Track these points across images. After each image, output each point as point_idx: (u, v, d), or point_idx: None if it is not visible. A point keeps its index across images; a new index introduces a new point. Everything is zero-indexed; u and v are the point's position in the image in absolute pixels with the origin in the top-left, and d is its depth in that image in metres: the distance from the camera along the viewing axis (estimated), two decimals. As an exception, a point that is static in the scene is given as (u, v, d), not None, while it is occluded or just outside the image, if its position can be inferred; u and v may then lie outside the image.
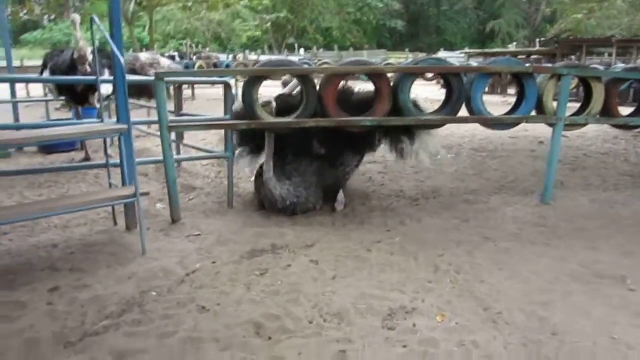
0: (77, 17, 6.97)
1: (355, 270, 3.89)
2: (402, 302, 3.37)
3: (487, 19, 53.17)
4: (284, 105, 5.31)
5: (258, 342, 2.92)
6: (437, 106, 5.77)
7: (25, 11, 28.75)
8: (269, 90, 5.42)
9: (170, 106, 7.24)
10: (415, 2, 56.45)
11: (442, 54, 33.34)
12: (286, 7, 47.56)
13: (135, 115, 10.49)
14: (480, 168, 7.37)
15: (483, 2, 55.25)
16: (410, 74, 5.25)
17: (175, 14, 40.81)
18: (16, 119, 8.59)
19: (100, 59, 6.38)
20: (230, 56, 30.87)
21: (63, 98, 7.72)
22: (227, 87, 5.51)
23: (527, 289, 3.58)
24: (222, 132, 5.59)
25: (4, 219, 3.78)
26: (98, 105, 6.69)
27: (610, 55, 21.27)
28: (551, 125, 5.57)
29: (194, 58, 25.99)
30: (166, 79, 5.01)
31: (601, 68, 7.43)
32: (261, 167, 5.23)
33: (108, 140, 6.47)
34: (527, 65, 5.59)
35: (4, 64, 9.00)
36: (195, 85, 16.22)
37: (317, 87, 5.11)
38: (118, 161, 4.77)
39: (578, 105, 5.95)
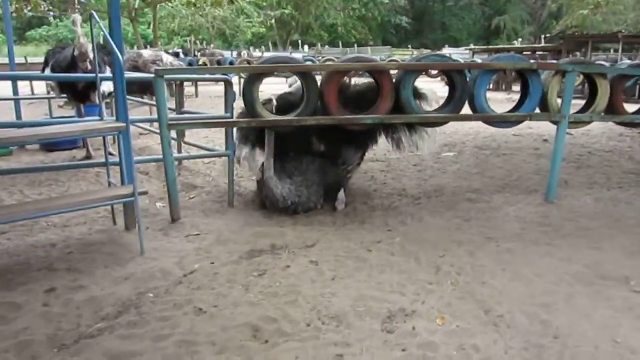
0: (77, 17, 6.93)
1: (355, 271, 3.84)
2: (402, 304, 3.32)
3: (493, 15, 52.93)
4: (285, 103, 5.26)
5: (255, 345, 2.88)
6: (441, 103, 5.69)
7: (29, 8, 28.70)
8: (273, 88, 5.38)
9: (172, 104, 7.22)
10: (420, -2, 56.33)
11: (446, 51, 33.22)
12: (291, 3, 47.42)
13: (138, 113, 10.55)
14: (483, 166, 7.30)
15: (488, -2, 55.06)
16: (412, 71, 5.18)
17: (180, 10, 40.73)
18: (18, 116, 8.59)
19: (102, 56, 6.35)
20: (235, 53, 30.81)
21: (65, 96, 7.68)
22: (227, 84, 5.47)
23: (529, 290, 3.52)
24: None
25: (1, 218, 3.75)
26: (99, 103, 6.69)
27: (616, 51, 21.12)
28: (555, 123, 5.49)
29: (198, 55, 25.98)
30: (166, 76, 4.97)
31: (607, 64, 7.34)
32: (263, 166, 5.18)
33: (110, 138, 6.48)
34: (532, 61, 5.50)
35: (7, 60, 9.01)
36: (199, 83, 16.23)
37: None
38: (117, 160, 4.72)
39: (583, 102, 5.88)
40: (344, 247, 4.28)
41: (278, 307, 3.28)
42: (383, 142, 5.83)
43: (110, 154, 5.75)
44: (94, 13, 4.35)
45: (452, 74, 5.26)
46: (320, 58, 23.14)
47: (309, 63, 15.17)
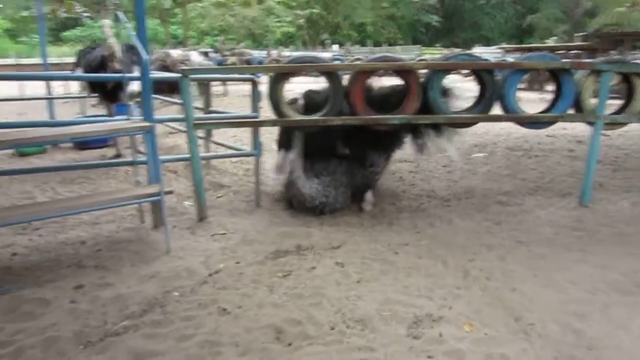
0: (107, 22, 7.04)
1: (380, 273, 3.78)
2: (429, 309, 3.25)
3: (525, 13, 51.88)
4: (312, 102, 5.21)
5: (277, 347, 2.85)
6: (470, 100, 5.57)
7: (63, 9, 29.36)
8: (302, 87, 5.34)
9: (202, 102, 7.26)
10: (451, -4, 55.68)
11: (477, 50, 32.75)
12: (320, 3, 47.40)
13: (168, 112, 10.64)
14: (515, 168, 7.13)
15: (521, -4, 54.10)
16: (440, 71, 5.09)
17: (210, 10, 41.14)
18: (51, 115, 8.76)
19: (130, 56, 6.41)
20: (264, 52, 30.94)
21: (95, 95, 7.79)
22: (253, 83, 5.45)
23: (562, 298, 3.40)
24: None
25: (30, 216, 3.79)
26: (129, 102, 6.76)
27: (654, 50, 20.50)
28: (590, 123, 5.32)
29: (228, 54, 26.15)
30: (191, 75, 4.98)
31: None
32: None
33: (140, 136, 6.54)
34: (565, 60, 5.34)
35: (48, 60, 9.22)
36: (227, 82, 16.32)
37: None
38: (145, 159, 4.75)
39: (619, 102, 5.68)
40: (371, 249, 4.22)
41: (302, 308, 3.25)
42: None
43: (139, 152, 5.81)
44: (119, 13, 4.39)
45: (482, 74, 5.14)
46: (349, 57, 23.03)
47: (337, 62, 15.14)
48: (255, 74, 5.67)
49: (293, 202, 5.20)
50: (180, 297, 3.42)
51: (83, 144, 8.04)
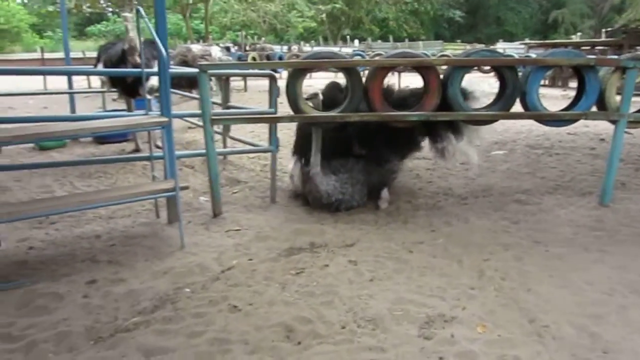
0: (128, 15, 7.08)
1: (394, 272, 3.73)
2: (442, 309, 3.20)
3: (550, 9, 51.10)
4: (332, 97, 5.16)
5: (287, 346, 2.83)
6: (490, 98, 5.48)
7: (88, 4, 29.73)
8: (323, 82, 5.33)
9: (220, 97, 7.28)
10: (474, -9, 55.01)
11: (500, 45, 32.30)
12: (342, -3, 47.30)
13: (188, 107, 10.71)
14: (534, 166, 7.02)
15: (546, -9, 53.22)
16: (461, 67, 5.01)
17: (232, 5, 41.28)
18: (72, 109, 8.86)
19: (150, 51, 6.45)
20: (285, 47, 30.95)
21: (115, 90, 7.85)
22: (272, 79, 5.43)
23: (578, 300, 3.32)
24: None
25: (47, 210, 3.84)
26: (148, 97, 6.80)
27: (683, 46, 19.95)
28: (613, 122, 5.19)
29: (249, 49, 26.21)
30: (210, 71, 4.98)
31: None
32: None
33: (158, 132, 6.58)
34: (590, 57, 5.22)
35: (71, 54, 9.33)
36: (247, 77, 16.35)
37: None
38: (161, 154, 4.76)
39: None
40: (385, 247, 4.18)
41: (313, 307, 3.22)
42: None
43: (158, 147, 5.85)
44: (140, 8, 4.40)
45: (503, 70, 5.04)
46: (369, 52, 22.90)
47: (357, 57, 15.04)
48: (275, 69, 5.66)
49: (309, 199, 5.18)
50: (192, 293, 3.42)
51: (102, 138, 8.12)
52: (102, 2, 33.12)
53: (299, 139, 5.44)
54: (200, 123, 8.05)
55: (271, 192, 5.44)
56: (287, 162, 5.80)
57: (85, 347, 2.83)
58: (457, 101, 4.95)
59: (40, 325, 3.03)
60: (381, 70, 4.92)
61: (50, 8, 37.37)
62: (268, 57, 20.36)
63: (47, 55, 25.67)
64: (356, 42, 40.06)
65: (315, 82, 17.55)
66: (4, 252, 4.09)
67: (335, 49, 21.70)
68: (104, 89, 9.91)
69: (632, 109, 5.17)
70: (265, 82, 5.51)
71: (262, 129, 8.98)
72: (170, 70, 5.16)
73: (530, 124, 9.33)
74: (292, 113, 4.99)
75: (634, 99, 5.11)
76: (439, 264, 3.89)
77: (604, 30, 29.24)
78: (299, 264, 3.89)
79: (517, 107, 5.14)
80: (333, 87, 5.41)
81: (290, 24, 45.00)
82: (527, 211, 5.11)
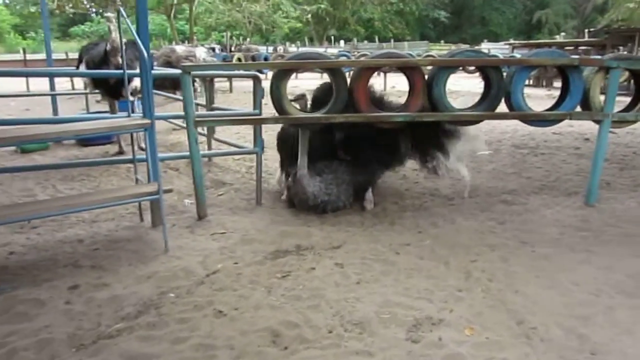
0: (111, 16, 6.99)
1: (381, 274, 3.70)
2: (429, 311, 3.17)
3: (534, 9, 51.59)
4: (324, 98, 5.11)
5: (273, 351, 2.79)
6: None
7: (71, 5, 29.39)
8: (308, 83, 5.30)
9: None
10: (459, -9, 55.34)
11: (485, 45, 32.51)
12: (327, -2, 47.34)
13: (173, 109, 10.62)
14: (520, 166, 7.04)
15: (530, -9, 53.68)
16: (446, 67, 5.00)
17: (217, 5, 41.09)
18: (55, 111, 8.74)
19: (133, 52, 6.36)
20: (270, 48, 30.87)
21: (98, 91, 7.75)
22: (256, 80, 5.39)
23: (565, 301, 3.32)
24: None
25: (29, 214, 3.75)
26: (131, 98, 6.71)
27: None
28: (597, 121, 5.22)
29: (234, 50, 26.10)
30: (193, 72, 4.92)
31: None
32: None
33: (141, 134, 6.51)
34: (574, 57, 5.23)
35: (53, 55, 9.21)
36: (233, 78, 16.26)
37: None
38: (144, 156, 4.70)
39: (628, 99, 5.56)
40: (371, 249, 4.15)
41: (300, 311, 3.18)
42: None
43: (141, 149, 5.77)
44: (122, 9, 4.33)
45: (488, 70, 5.04)
46: (355, 53, 22.91)
47: (343, 58, 15.03)
48: (261, 70, 5.60)
49: (295, 201, 5.13)
50: (176, 298, 3.36)
51: (86, 140, 8.01)
52: (85, 2, 32.72)
53: (282, 151, 5.43)
54: (185, 124, 8.01)
55: (257, 194, 5.39)
56: (272, 163, 5.75)
57: (67, 355, 2.76)
58: (442, 102, 4.94)
59: (21, 333, 2.96)
60: (366, 70, 4.89)
61: (33, 9, 36.95)
62: (253, 58, 20.29)
63: (29, 57, 25.40)
64: (342, 42, 40.10)
65: (301, 83, 17.58)
66: (-17, 257, 4.00)
67: (320, 50, 21.71)
68: (87, 91, 9.79)
69: (616, 109, 5.20)
70: (251, 83, 5.45)
71: (248, 130, 8.91)
72: (153, 71, 5.10)
73: (515, 123, 9.36)
74: (277, 114, 4.95)
75: (617, 98, 5.13)
76: (426, 265, 3.87)
77: (586, 30, 29.56)
78: (285, 267, 3.85)
79: (502, 107, 5.14)
80: (325, 87, 5.36)
81: (275, 25, 44.90)
82: (513, 211, 5.12)
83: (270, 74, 5.18)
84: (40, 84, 13.85)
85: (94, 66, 6.79)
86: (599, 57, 5.68)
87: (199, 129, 5.43)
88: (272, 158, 6.40)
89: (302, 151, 4.87)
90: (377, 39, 41.58)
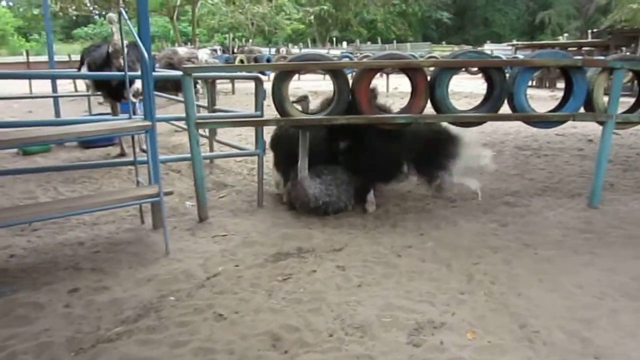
0: (113, 16, 6.97)
1: (382, 277, 3.68)
2: (431, 315, 3.15)
3: (537, 10, 51.50)
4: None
5: (273, 355, 2.76)
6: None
7: (74, 7, 29.44)
8: (311, 84, 5.29)
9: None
10: (462, -8, 55.31)
11: (488, 47, 32.45)
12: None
13: (174, 110, 10.61)
14: (523, 167, 7.00)
15: (533, -8, 53.60)
16: (448, 68, 4.97)
17: (220, 7, 41.11)
18: (57, 113, 8.74)
19: (135, 53, 6.35)
20: (273, 50, 30.86)
21: (99, 93, 7.74)
22: (258, 81, 5.37)
23: (568, 304, 3.28)
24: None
25: (30, 217, 3.74)
26: (133, 100, 6.70)
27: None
28: (601, 123, 5.18)
29: (237, 52, 26.08)
30: (194, 74, 4.90)
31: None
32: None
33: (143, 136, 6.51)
34: (577, 58, 5.20)
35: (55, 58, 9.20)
36: (235, 80, 16.25)
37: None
38: (145, 158, 4.68)
39: (632, 100, 5.53)
40: (373, 252, 4.13)
41: (300, 314, 3.16)
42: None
43: (143, 151, 5.76)
44: (123, 11, 4.32)
45: (490, 71, 5.01)
46: (358, 54, 22.89)
47: (345, 60, 15.00)
48: (263, 72, 5.59)
49: (296, 204, 5.10)
50: (177, 301, 3.34)
51: (87, 142, 8.00)
52: (88, 4, 32.79)
53: (278, 150, 5.42)
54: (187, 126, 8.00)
55: (258, 196, 5.37)
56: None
57: (66, 359, 2.74)
58: (444, 103, 4.92)
59: (21, 336, 2.94)
60: (368, 72, 4.87)
61: (36, 11, 37.01)
62: (256, 60, 20.29)
63: (32, 59, 25.44)
64: (344, 44, 40.07)
65: (304, 84, 17.58)
66: (-17, 260, 3.99)
67: (323, 51, 21.69)
68: (90, 93, 9.79)
69: (620, 110, 5.16)
70: (253, 85, 5.44)
71: (250, 131, 8.91)
72: (154, 73, 5.08)
73: (518, 125, 9.32)
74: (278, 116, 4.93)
75: (621, 99, 5.10)
76: (428, 268, 3.84)
77: (590, 31, 29.47)
78: (286, 269, 3.82)
79: (505, 109, 5.11)
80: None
81: (278, 26, 44.90)
82: (515, 213, 5.08)
83: (272, 76, 5.16)
84: (43, 86, 13.85)
85: (95, 68, 6.78)
86: (602, 57, 5.64)
87: (201, 131, 5.42)
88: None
89: (302, 154, 4.85)
90: (379, 40, 41.53)
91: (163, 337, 2.93)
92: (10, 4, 47.26)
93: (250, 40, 38.59)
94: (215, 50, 22.92)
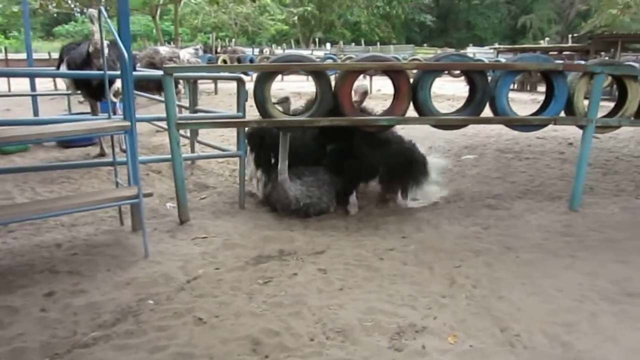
0: (94, 12, 6.85)
1: (364, 280, 3.66)
2: (412, 318, 3.13)
3: (519, 14, 52.01)
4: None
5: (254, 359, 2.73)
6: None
7: (54, 4, 29.00)
8: (294, 85, 5.26)
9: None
10: (445, -4, 55.71)
11: (470, 50, 32.72)
12: (313, 1, 47.27)
13: (156, 110, 10.49)
14: (504, 170, 7.05)
15: (515, -3, 54.17)
16: (431, 71, 4.98)
17: (203, 6, 40.85)
18: (35, 112, 8.58)
19: (116, 53, 6.26)
20: (257, 50, 30.75)
21: (79, 92, 7.61)
22: (240, 82, 5.32)
23: (549, 307, 3.29)
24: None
25: (5, 219, 3.66)
26: (114, 100, 6.60)
27: (646, 51, 20.51)
28: (581, 126, 5.23)
29: (220, 52, 25.92)
30: (175, 74, 4.84)
31: (637, 66, 7.00)
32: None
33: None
34: (558, 62, 5.24)
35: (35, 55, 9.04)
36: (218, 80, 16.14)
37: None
38: (125, 159, 4.60)
39: (611, 104, 5.59)
40: (355, 255, 4.10)
41: (281, 318, 3.12)
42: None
43: (123, 151, 5.68)
44: (103, 9, 4.25)
45: (473, 75, 5.03)
46: (341, 56, 22.91)
47: (329, 61, 15.00)
48: (246, 72, 5.55)
49: (277, 206, 5.06)
50: (155, 305, 3.29)
51: (66, 142, 7.86)
52: (69, 2, 32.32)
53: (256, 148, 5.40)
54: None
55: (240, 197, 5.32)
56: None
57: (40, 365, 2.68)
58: (427, 106, 4.92)
59: (-6, 342, 2.87)
60: (351, 74, 4.85)
61: (15, 8, 36.40)
62: (239, 60, 20.17)
63: (11, 56, 25.03)
64: (328, 45, 40.08)
65: (287, 86, 17.52)
66: (-44, 263, 3.89)
67: (306, 52, 21.63)
68: (70, 92, 9.64)
69: (600, 114, 5.21)
70: (235, 85, 5.39)
71: (232, 132, 8.84)
72: (135, 72, 5.01)
73: (500, 128, 9.37)
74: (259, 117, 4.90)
75: (601, 103, 5.15)
76: (410, 271, 3.83)
77: (570, 35, 29.89)
78: (267, 272, 3.78)
79: (487, 112, 5.13)
80: None
81: (262, 27, 44.77)
82: (497, 216, 5.11)
83: (255, 76, 5.11)
84: (22, 84, 13.61)
85: (75, 67, 6.66)
86: (583, 62, 5.69)
87: (182, 132, 5.35)
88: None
89: (282, 155, 4.82)
90: (363, 42, 41.62)
91: (141, 341, 2.88)
92: (-11, 0, 46.42)
93: (234, 40, 38.38)
94: (198, 50, 22.75)
